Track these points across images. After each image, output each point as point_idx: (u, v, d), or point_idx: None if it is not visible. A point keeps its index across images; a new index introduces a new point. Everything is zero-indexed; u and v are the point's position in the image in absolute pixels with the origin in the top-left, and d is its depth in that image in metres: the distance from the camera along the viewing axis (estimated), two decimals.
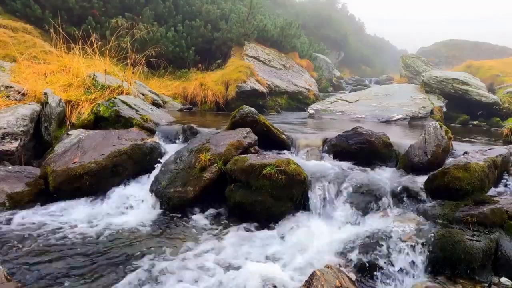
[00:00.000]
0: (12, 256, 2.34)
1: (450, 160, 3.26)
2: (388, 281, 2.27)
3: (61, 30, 5.58)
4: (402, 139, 3.99)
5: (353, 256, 2.42)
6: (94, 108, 4.41)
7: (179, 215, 3.12)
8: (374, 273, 2.30)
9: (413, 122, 6.73)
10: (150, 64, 7.71)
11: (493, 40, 21.56)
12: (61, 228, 2.80)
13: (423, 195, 2.87)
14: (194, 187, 3.19)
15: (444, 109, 7.69)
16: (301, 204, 3.06)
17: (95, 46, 5.72)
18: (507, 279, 2.20)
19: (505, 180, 3.14)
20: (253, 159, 3.16)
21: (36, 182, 3.36)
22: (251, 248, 2.61)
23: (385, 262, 2.33)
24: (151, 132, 4.27)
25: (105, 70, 5.27)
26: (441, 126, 3.55)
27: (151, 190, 3.34)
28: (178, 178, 3.30)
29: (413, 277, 2.29)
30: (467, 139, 5.02)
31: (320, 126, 5.70)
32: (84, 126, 4.26)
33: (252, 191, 3.04)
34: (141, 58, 6.12)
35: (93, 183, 3.34)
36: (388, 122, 6.65)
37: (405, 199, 2.91)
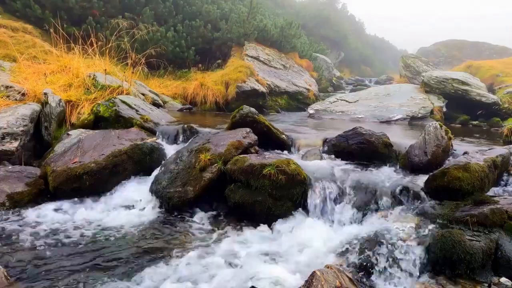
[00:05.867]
0: (12, 256, 2.34)
1: (450, 160, 3.26)
2: (388, 281, 2.26)
3: (61, 30, 5.58)
4: (402, 139, 3.99)
5: (353, 256, 2.42)
6: (94, 108, 4.41)
7: (179, 215, 3.12)
8: (374, 273, 2.30)
9: (413, 122, 6.73)
10: (150, 64, 7.70)
11: (494, 40, 21.55)
12: (60, 228, 2.80)
13: (423, 195, 2.87)
14: (194, 187, 3.19)
15: (444, 109, 7.69)
16: (301, 204, 3.06)
17: (95, 46, 5.71)
18: (507, 279, 2.20)
19: (505, 180, 3.14)
20: (253, 159, 3.17)
21: (36, 182, 3.36)
22: (251, 248, 2.61)
23: (385, 262, 2.33)
24: (151, 132, 4.27)
25: (105, 70, 5.27)
26: (441, 126, 3.55)
27: (151, 190, 3.34)
28: (178, 178, 3.30)
29: (413, 277, 2.28)
30: (467, 139, 5.02)
31: (320, 126, 5.70)
32: (84, 126, 4.26)
33: (252, 191, 3.04)
34: (141, 58, 6.12)
35: (93, 183, 3.34)
36: (388, 122, 6.65)
37: (405, 199, 2.90)
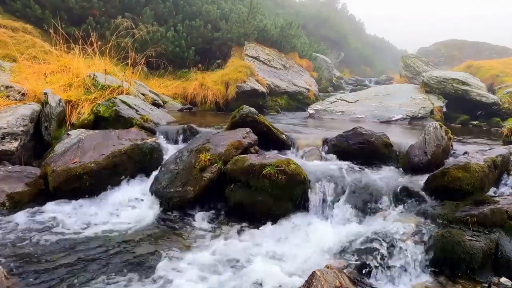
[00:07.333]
0: (12, 256, 2.34)
1: (450, 160, 3.26)
2: (388, 280, 2.27)
3: (61, 30, 5.58)
4: (402, 139, 3.99)
5: (353, 256, 2.42)
6: (94, 108, 4.41)
7: (179, 215, 3.12)
8: (374, 273, 2.30)
9: (413, 122, 6.73)
10: (150, 64, 7.69)
11: (494, 40, 21.53)
12: (61, 228, 2.80)
13: (423, 195, 2.87)
14: (194, 187, 3.19)
15: (444, 109, 7.68)
16: (301, 204, 3.06)
17: (95, 46, 5.71)
18: (507, 279, 2.20)
19: (505, 180, 3.15)
20: (253, 159, 3.16)
21: (36, 182, 3.36)
22: (251, 248, 2.61)
23: (385, 262, 2.33)
24: (151, 132, 4.27)
25: (105, 70, 5.27)
26: (441, 126, 3.55)
27: (151, 190, 3.34)
28: (178, 178, 3.30)
29: (413, 277, 2.29)
30: (467, 139, 5.02)
31: (320, 126, 5.70)
32: (84, 126, 4.26)
33: (252, 191, 3.04)
34: (141, 58, 6.12)
35: (93, 183, 3.34)
36: (388, 122, 6.65)
37: (405, 199, 2.91)
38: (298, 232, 2.81)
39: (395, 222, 2.63)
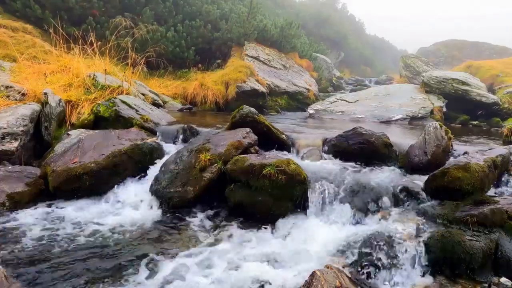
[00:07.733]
0: (12, 256, 2.34)
1: (450, 160, 3.26)
2: (388, 281, 2.26)
3: (61, 30, 5.58)
4: (402, 139, 3.99)
5: (353, 256, 2.42)
6: (94, 108, 4.41)
7: (179, 215, 3.12)
8: (374, 273, 2.30)
9: (413, 122, 6.73)
10: (150, 64, 7.69)
11: (494, 40, 21.53)
12: (60, 228, 2.80)
13: (423, 195, 2.87)
14: (194, 187, 3.19)
15: (444, 109, 7.68)
16: (301, 204, 3.06)
17: (95, 46, 5.71)
18: (507, 279, 2.20)
19: (505, 180, 3.15)
20: (253, 159, 3.17)
21: (36, 182, 3.36)
22: (251, 248, 2.61)
23: (385, 262, 2.33)
24: (151, 132, 4.27)
25: (105, 70, 5.27)
26: (441, 126, 3.55)
27: (151, 190, 3.34)
28: (178, 178, 3.30)
29: (413, 277, 2.29)
30: (467, 139, 5.02)
31: (320, 126, 5.70)
32: (84, 126, 4.26)
33: (252, 191, 3.04)
34: (141, 58, 6.12)
35: (93, 183, 3.34)
36: (388, 122, 6.65)
37: (405, 199, 2.91)
38: (298, 232, 2.81)
39: (395, 222, 2.63)
